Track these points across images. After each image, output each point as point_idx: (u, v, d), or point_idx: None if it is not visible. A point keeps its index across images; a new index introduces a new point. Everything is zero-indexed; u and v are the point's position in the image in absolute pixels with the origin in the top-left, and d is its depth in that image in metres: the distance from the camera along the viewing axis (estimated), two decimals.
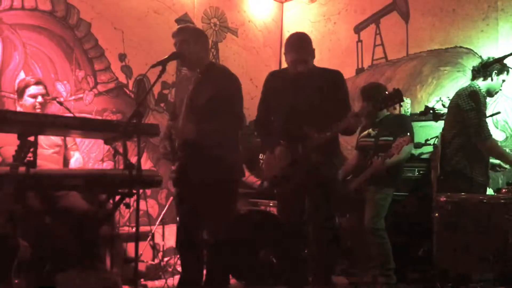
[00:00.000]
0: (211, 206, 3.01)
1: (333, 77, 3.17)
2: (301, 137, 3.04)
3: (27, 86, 3.54)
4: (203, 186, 2.97)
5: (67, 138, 3.72)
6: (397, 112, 4.23)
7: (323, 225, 3.13)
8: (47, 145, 3.58)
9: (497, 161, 3.70)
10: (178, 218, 3.23)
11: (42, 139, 3.48)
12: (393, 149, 3.60)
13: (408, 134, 3.66)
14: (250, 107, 5.70)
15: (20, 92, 3.56)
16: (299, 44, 3.12)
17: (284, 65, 5.20)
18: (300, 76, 3.11)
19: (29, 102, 3.51)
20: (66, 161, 3.71)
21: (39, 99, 3.52)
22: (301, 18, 5.97)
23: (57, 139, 3.64)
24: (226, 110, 2.98)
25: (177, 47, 3.05)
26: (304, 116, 3.06)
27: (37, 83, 3.57)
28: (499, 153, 3.57)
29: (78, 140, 3.90)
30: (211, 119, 2.95)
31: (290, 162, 3.07)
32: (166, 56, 2.92)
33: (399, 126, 3.79)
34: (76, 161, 3.73)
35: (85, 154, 4.33)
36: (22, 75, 4.04)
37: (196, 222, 3.14)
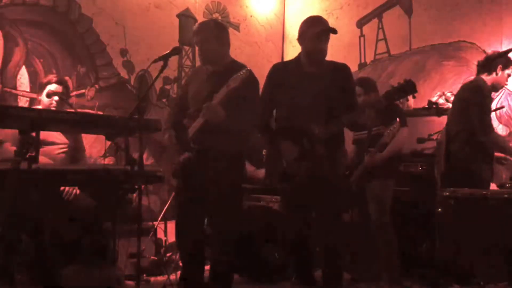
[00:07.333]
0: (218, 202, 3.00)
1: (342, 71, 3.13)
2: (306, 132, 2.99)
3: (48, 83, 3.55)
4: (211, 182, 2.95)
5: (78, 140, 3.70)
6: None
7: (330, 221, 3.09)
8: (56, 143, 3.53)
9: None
10: (177, 212, 3.19)
11: (54, 135, 3.46)
12: (385, 137, 3.57)
13: (398, 120, 3.60)
14: None
15: (40, 88, 3.58)
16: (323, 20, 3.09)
17: (286, 59, 5.06)
18: (308, 69, 3.08)
19: (46, 100, 3.51)
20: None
21: (55, 98, 3.51)
22: (303, 13, 5.92)
23: (64, 139, 3.57)
24: (245, 110, 2.93)
25: (198, 46, 3.06)
26: (311, 110, 3.01)
27: (57, 82, 3.57)
28: (502, 147, 3.56)
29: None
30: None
31: (295, 157, 3.01)
32: (168, 51, 2.90)
33: (389, 114, 3.75)
34: None
35: (87, 150, 4.32)
36: (23, 70, 4.04)
37: (198, 217, 3.13)
